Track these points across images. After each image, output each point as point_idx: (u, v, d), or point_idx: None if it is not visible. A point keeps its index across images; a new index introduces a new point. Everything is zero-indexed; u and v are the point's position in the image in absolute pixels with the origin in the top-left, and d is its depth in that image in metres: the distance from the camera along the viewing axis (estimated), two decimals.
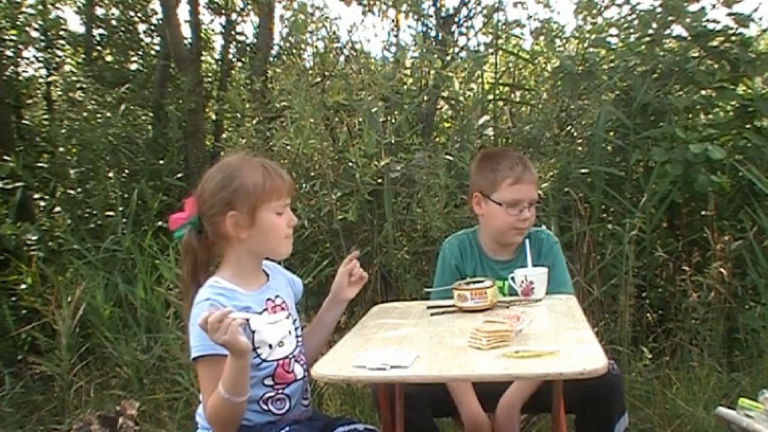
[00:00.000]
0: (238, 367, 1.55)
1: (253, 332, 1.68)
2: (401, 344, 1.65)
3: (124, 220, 4.23)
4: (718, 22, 3.98)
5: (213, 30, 6.38)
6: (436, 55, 3.85)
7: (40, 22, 5.93)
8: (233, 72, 5.90)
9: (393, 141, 3.71)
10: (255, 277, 1.80)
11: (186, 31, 5.44)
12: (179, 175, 5.05)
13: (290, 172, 3.60)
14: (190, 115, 5.24)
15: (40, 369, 3.68)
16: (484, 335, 1.54)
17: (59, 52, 6.16)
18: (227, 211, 1.70)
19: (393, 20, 4.38)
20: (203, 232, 1.76)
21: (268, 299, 1.78)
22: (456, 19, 4.40)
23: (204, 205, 1.74)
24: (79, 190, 4.93)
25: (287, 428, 1.70)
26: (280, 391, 1.75)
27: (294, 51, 4.51)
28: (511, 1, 4.56)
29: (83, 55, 6.08)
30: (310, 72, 4.22)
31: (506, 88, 4.57)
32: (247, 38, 5.94)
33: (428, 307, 2.04)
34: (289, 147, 3.82)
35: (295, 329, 1.82)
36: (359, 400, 3.17)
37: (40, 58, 5.99)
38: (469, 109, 4.25)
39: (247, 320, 1.62)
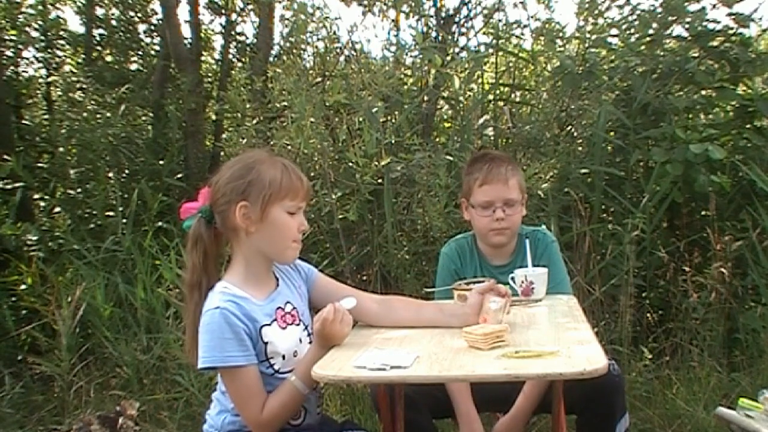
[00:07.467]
0: (320, 357, 1.56)
1: (266, 344, 1.66)
2: (401, 344, 1.64)
3: (124, 220, 4.23)
4: (718, 22, 3.99)
5: (213, 30, 6.37)
6: (436, 55, 3.84)
7: (40, 22, 5.93)
8: (233, 72, 5.89)
9: (393, 141, 3.71)
10: (265, 281, 1.74)
11: (186, 31, 5.44)
12: (179, 175, 5.05)
13: None
14: (190, 115, 5.24)
15: (40, 369, 3.67)
16: (479, 338, 1.54)
17: (59, 52, 6.16)
18: (239, 201, 1.65)
19: (393, 20, 4.38)
20: (213, 222, 1.71)
21: (278, 308, 1.72)
22: (456, 19, 4.40)
23: (217, 192, 1.69)
24: (79, 190, 4.93)
25: None
26: None
27: (294, 51, 4.51)
28: (512, 1, 4.55)
29: (83, 56, 6.08)
30: (311, 72, 4.22)
31: (506, 88, 4.56)
32: (247, 38, 5.94)
33: None
34: (289, 147, 3.82)
35: (308, 336, 1.76)
36: (359, 400, 3.17)
37: (40, 58, 5.99)
38: (469, 109, 4.24)
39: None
